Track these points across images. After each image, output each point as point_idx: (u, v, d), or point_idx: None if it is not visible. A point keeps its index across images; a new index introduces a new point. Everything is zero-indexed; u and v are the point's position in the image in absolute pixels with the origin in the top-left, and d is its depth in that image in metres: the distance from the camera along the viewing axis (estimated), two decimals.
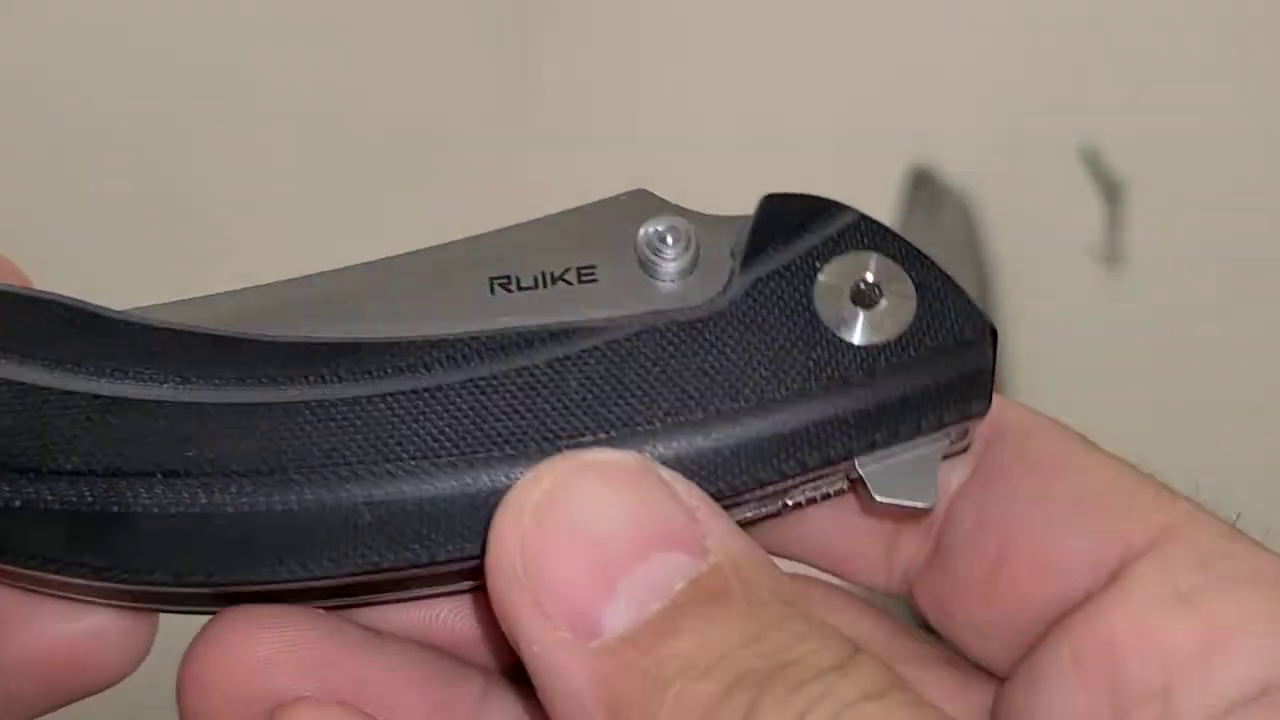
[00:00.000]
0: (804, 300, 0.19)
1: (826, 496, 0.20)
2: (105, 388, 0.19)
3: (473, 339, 0.19)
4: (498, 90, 1.31)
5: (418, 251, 0.20)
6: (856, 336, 0.19)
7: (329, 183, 1.14)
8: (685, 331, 0.19)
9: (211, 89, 1.06)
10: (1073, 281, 0.89)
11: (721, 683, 0.16)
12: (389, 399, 0.19)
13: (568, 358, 0.19)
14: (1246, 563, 0.19)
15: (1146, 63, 0.84)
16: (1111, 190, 0.85)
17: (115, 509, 0.18)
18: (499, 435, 0.19)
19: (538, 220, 0.20)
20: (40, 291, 0.20)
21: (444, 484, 0.18)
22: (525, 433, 0.19)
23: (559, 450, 0.18)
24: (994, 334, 0.21)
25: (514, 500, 0.17)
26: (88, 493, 0.18)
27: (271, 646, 0.19)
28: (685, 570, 0.17)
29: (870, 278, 0.20)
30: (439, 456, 0.18)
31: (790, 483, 0.19)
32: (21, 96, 0.97)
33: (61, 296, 0.20)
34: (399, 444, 0.19)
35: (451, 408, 0.19)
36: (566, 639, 0.17)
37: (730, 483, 0.19)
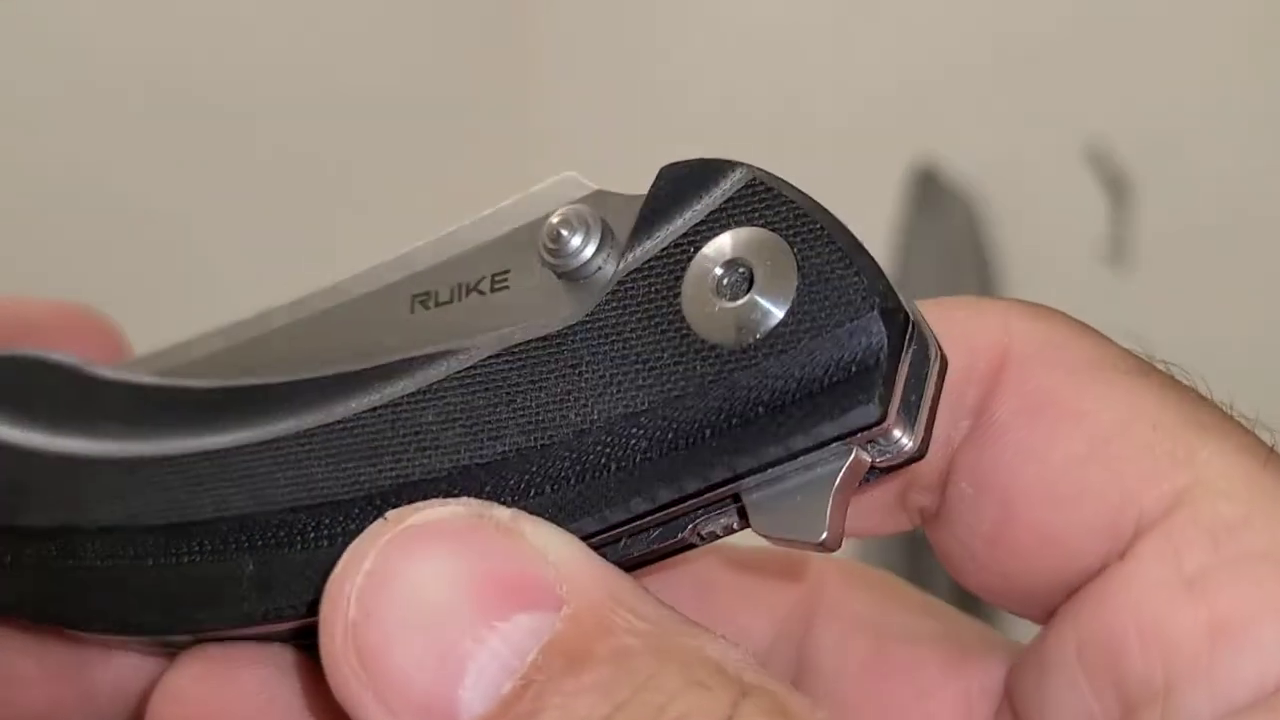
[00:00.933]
0: (669, 296, 0.16)
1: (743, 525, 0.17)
2: (70, 445, 0.19)
3: (350, 375, 0.18)
4: (498, 85, 1.31)
5: (365, 271, 0.19)
6: (721, 336, 0.16)
7: (327, 171, 1.14)
8: (540, 348, 0.17)
9: (208, 80, 1.06)
10: (1078, 281, 0.88)
11: None
12: (269, 445, 0.18)
13: (427, 389, 0.17)
14: (1263, 536, 0.16)
15: (1151, 62, 0.84)
16: (1117, 189, 0.84)
17: (70, 563, 0.18)
18: (346, 481, 0.17)
19: (466, 224, 0.18)
20: (14, 351, 0.20)
21: (303, 535, 0.17)
22: (369, 478, 0.17)
23: (399, 502, 0.16)
24: (893, 318, 0.16)
25: (337, 587, 0.15)
26: (52, 548, 0.19)
27: (222, 694, 0.18)
28: (538, 633, 0.15)
29: (742, 261, 0.16)
30: (297, 504, 0.17)
31: (671, 511, 0.16)
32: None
33: (30, 353, 0.20)
34: (271, 491, 0.17)
35: (313, 452, 0.17)
36: None
37: (595, 518, 0.16)
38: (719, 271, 0.16)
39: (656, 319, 0.16)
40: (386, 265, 0.19)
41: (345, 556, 0.15)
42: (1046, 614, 0.18)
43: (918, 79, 1.01)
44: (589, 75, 1.31)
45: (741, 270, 0.16)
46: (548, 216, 0.17)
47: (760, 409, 0.16)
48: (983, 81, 0.96)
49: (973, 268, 0.95)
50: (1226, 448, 0.17)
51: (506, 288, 0.17)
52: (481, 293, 0.18)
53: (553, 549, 0.15)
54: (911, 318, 0.16)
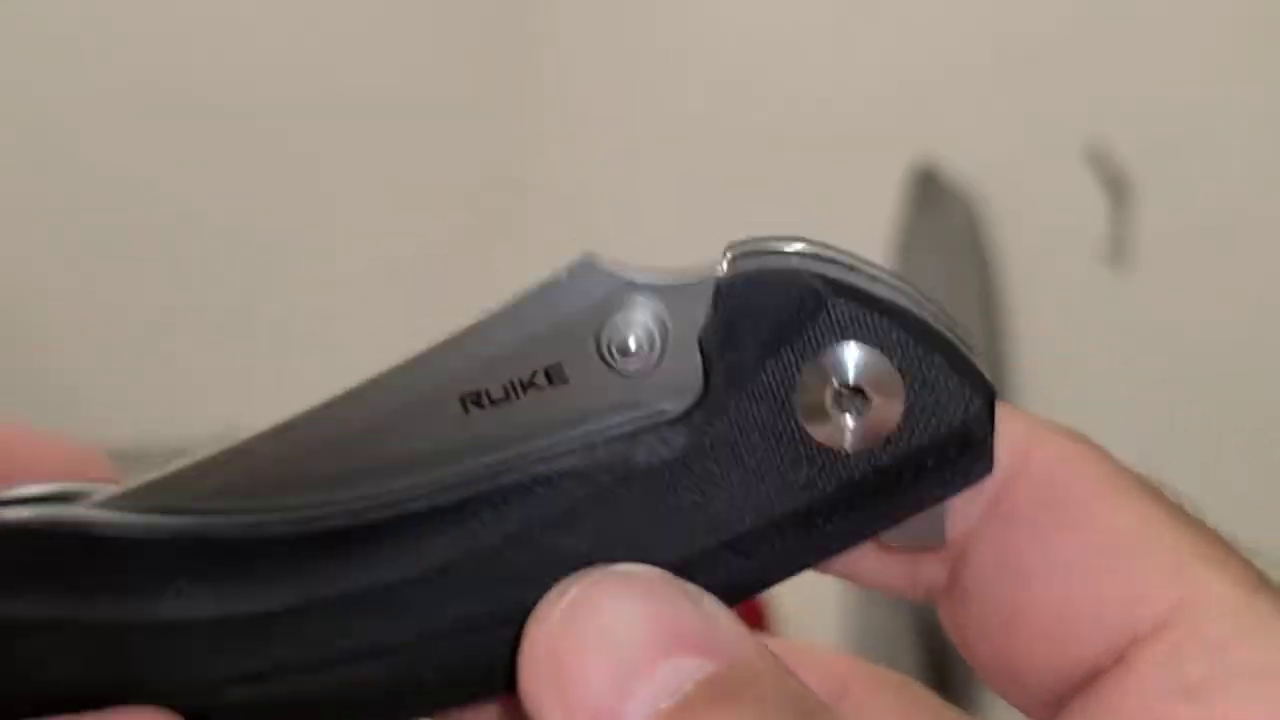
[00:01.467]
0: (786, 415, 0.19)
1: None
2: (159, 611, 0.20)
3: (431, 511, 0.20)
4: (498, 84, 1.31)
5: (386, 373, 0.19)
6: (847, 443, 0.19)
7: (326, 170, 1.14)
8: (658, 477, 0.19)
9: (209, 85, 1.06)
10: (1078, 281, 0.88)
11: None
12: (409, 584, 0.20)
13: (528, 529, 0.20)
14: (1259, 655, 0.19)
15: (1151, 62, 0.84)
16: (1117, 189, 0.84)
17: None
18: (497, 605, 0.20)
19: (493, 316, 0.19)
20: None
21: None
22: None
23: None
24: (991, 397, 0.19)
25: (545, 607, 0.19)
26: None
27: None
28: (700, 671, 0.18)
29: (850, 376, 0.19)
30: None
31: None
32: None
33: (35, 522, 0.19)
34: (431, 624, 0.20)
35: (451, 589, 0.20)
36: None
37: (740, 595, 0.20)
38: (828, 388, 0.19)
39: (778, 436, 0.19)
40: (405, 369, 0.19)
41: (558, 586, 0.19)
42: (1044, 709, 0.21)
43: (918, 79, 1.01)
44: (589, 75, 1.31)
45: (845, 389, 0.19)
46: (600, 317, 0.19)
47: (894, 492, 0.19)
48: (983, 81, 0.96)
49: (973, 268, 0.96)
50: (1226, 573, 0.19)
51: (566, 381, 0.19)
52: (539, 387, 0.19)
53: (723, 617, 0.19)
54: (993, 389, 0.19)
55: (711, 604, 0.19)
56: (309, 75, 1.15)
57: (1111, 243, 0.84)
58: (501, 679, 0.20)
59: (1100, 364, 0.87)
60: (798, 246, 0.19)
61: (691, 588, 0.19)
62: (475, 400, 0.19)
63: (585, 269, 0.19)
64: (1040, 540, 0.20)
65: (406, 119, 1.24)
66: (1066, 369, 0.89)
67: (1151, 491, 0.21)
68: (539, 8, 1.35)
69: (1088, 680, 0.20)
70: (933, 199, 0.99)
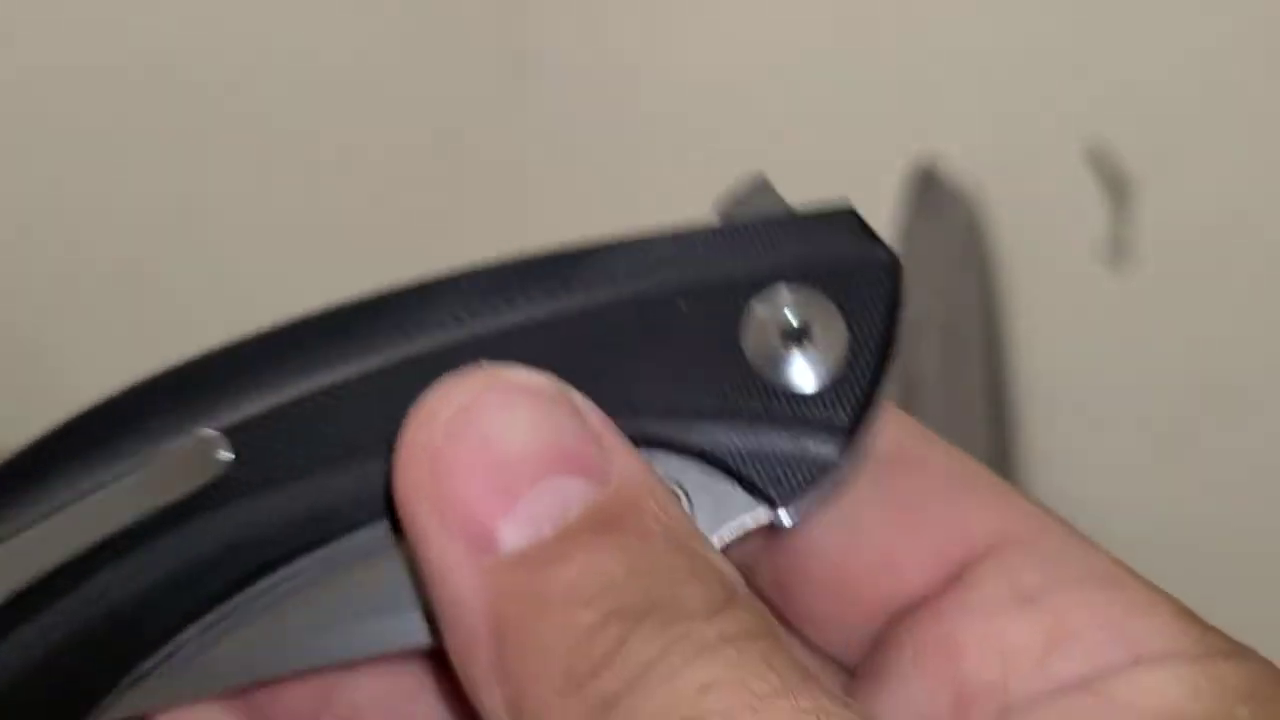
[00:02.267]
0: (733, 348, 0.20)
1: None
2: None
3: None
4: (498, 81, 1.31)
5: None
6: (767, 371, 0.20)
7: (324, 170, 1.14)
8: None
9: (207, 84, 1.06)
10: (1078, 281, 0.88)
11: (599, 613, 0.17)
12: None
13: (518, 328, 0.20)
14: (1083, 563, 0.20)
15: (1151, 62, 0.84)
16: (1117, 189, 0.84)
17: None
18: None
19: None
20: None
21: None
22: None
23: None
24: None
25: (427, 411, 0.18)
26: None
27: None
28: (584, 496, 0.18)
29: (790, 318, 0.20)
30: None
31: None
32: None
33: None
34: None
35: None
36: (462, 551, 0.17)
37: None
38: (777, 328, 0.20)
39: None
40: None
41: (442, 387, 0.18)
42: (857, 649, 0.21)
43: (918, 79, 1.01)
44: (588, 74, 1.31)
45: (804, 329, 0.19)
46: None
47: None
48: (983, 81, 0.96)
49: (973, 268, 0.96)
50: (1033, 501, 0.21)
51: None
52: None
53: (608, 437, 0.18)
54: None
55: (600, 421, 0.18)
56: (306, 73, 1.15)
57: (1112, 243, 0.84)
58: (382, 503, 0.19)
59: (1100, 364, 0.86)
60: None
61: (582, 401, 0.19)
62: None
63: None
64: (869, 482, 0.20)
65: (405, 121, 1.24)
66: (1066, 369, 0.89)
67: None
68: (539, 8, 1.35)
69: (919, 604, 0.20)
70: (933, 199, 0.99)
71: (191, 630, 0.19)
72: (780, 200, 0.20)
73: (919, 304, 0.98)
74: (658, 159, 1.22)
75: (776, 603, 0.22)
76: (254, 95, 1.09)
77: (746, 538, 0.20)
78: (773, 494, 0.20)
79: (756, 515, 0.20)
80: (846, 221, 0.20)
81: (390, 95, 1.22)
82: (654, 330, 0.20)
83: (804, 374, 0.20)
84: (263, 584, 0.20)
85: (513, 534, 0.17)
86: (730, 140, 1.18)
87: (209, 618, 0.19)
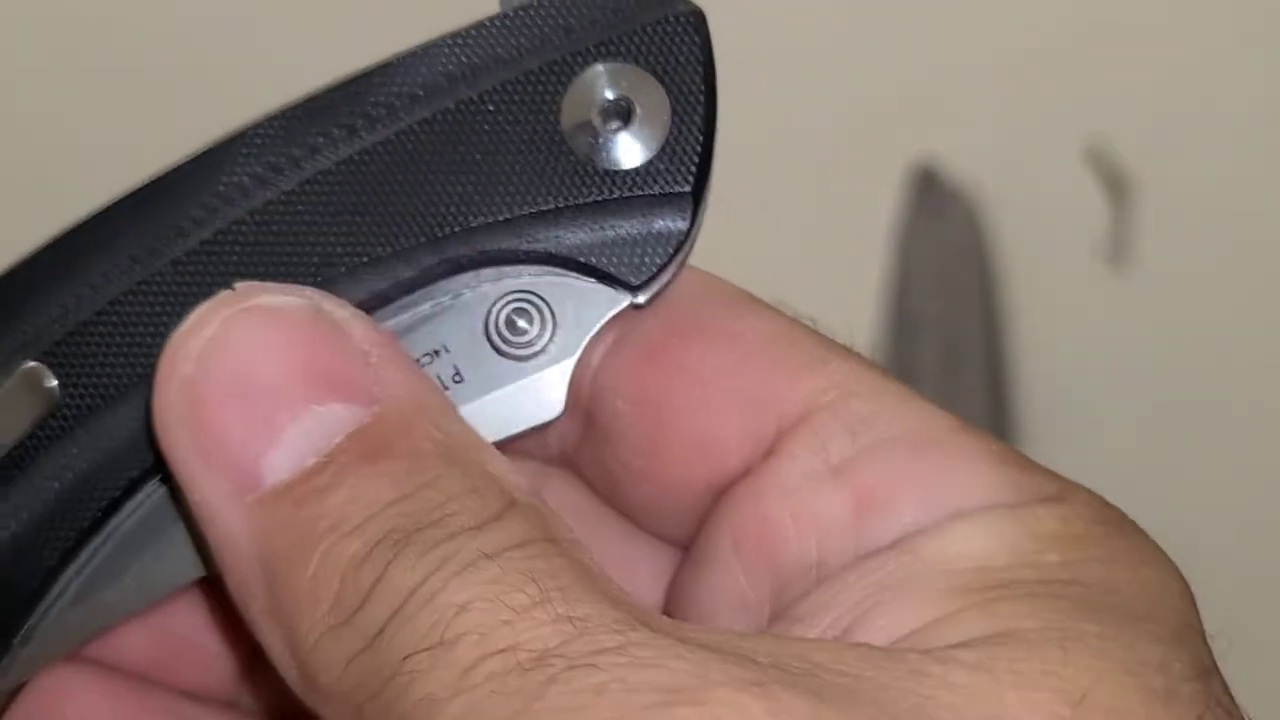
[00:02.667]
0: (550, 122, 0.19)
1: None
2: None
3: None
4: None
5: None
6: (586, 152, 0.19)
7: None
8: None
9: (205, 80, 1.05)
10: (1078, 281, 0.88)
11: (366, 543, 0.16)
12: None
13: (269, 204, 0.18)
14: (895, 425, 0.19)
15: (1151, 62, 0.84)
16: (1117, 189, 0.84)
17: None
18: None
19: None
20: None
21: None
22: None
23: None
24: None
25: (177, 345, 0.17)
26: None
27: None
28: (347, 422, 0.17)
29: (624, 101, 0.19)
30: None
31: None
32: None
33: None
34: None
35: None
36: (226, 489, 0.17)
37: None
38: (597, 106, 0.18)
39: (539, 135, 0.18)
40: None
41: (192, 318, 0.17)
42: (688, 529, 0.21)
43: (918, 79, 1.01)
44: None
45: (623, 105, 0.18)
46: None
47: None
48: (983, 81, 0.96)
49: (973, 267, 0.95)
50: (852, 360, 0.20)
51: None
52: None
53: (375, 353, 0.17)
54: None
55: (366, 334, 0.18)
56: (306, 73, 1.15)
57: (1111, 243, 0.84)
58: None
59: (1100, 364, 0.86)
60: None
61: (345, 314, 0.18)
62: None
63: None
64: (682, 364, 0.20)
65: None
66: (1066, 369, 0.89)
67: (774, 307, 0.21)
68: None
69: (738, 480, 0.20)
70: (933, 199, 0.99)
71: (69, 572, 0.19)
72: None
73: (919, 304, 0.98)
74: None
75: (601, 488, 0.21)
76: (253, 95, 1.08)
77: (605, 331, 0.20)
78: (632, 280, 0.19)
79: (617, 303, 0.19)
80: None
81: None
82: (467, 144, 0.18)
83: (632, 149, 0.19)
84: (128, 509, 0.19)
85: (276, 469, 0.17)
86: (730, 140, 1.18)
87: (83, 557, 0.19)
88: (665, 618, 0.17)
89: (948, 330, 0.95)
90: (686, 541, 0.21)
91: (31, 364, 0.18)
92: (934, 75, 1.00)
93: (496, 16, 0.19)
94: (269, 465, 0.17)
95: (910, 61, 1.02)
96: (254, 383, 0.17)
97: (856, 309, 1.06)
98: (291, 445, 0.17)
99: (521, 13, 0.19)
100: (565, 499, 0.22)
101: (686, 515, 0.21)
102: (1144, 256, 0.84)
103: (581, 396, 0.20)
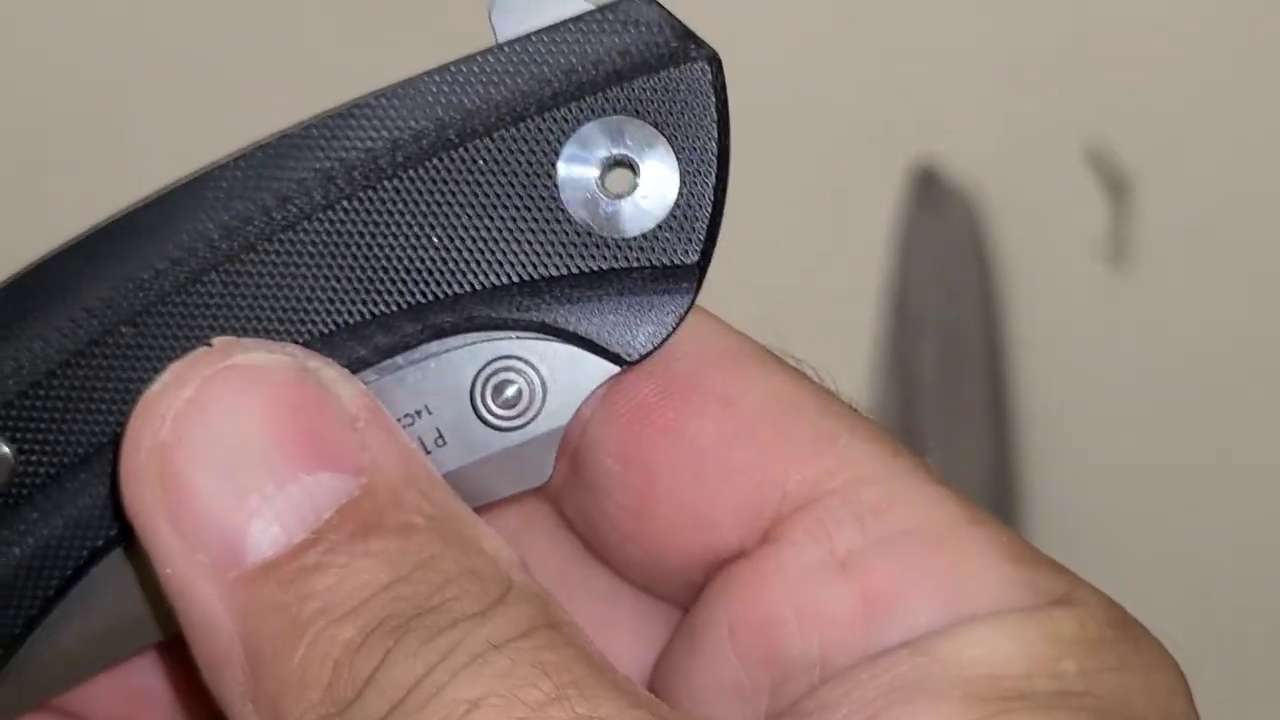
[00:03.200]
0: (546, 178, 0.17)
1: None
2: None
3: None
4: None
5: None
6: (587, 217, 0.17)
7: None
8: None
9: (207, 82, 1.05)
10: (1078, 281, 0.88)
11: (361, 629, 0.15)
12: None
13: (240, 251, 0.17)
14: (906, 518, 0.18)
15: (1151, 62, 0.84)
16: (1117, 189, 0.84)
17: None
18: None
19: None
20: None
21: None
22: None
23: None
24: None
25: (149, 406, 0.16)
26: None
27: None
28: (336, 494, 0.16)
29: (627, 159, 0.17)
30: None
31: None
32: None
33: None
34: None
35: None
36: (203, 564, 0.16)
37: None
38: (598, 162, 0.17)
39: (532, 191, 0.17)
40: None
41: (166, 376, 0.16)
42: (685, 593, 0.20)
43: (918, 79, 1.01)
44: None
45: (627, 164, 0.17)
46: None
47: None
48: (983, 81, 0.96)
49: (973, 268, 0.95)
50: (860, 435, 0.19)
51: None
52: None
53: (363, 418, 0.16)
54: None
55: (354, 397, 0.16)
56: (306, 73, 1.15)
57: (1111, 243, 0.84)
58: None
59: (1100, 364, 0.86)
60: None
61: (331, 374, 0.16)
62: None
63: None
64: (676, 429, 0.19)
65: None
66: (1066, 369, 0.89)
67: (776, 359, 0.19)
68: None
69: (731, 561, 0.19)
70: (933, 199, 0.99)
71: (33, 635, 0.17)
72: None
73: (919, 304, 0.98)
74: None
75: (585, 536, 0.20)
76: (253, 95, 1.09)
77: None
78: (628, 356, 0.17)
79: (610, 371, 0.18)
80: (644, 16, 0.17)
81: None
82: (455, 201, 0.17)
83: (635, 215, 0.17)
84: (94, 574, 0.17)
85: (259, 545, 0.15)
86: (730, 140, 1.17)
87: (46, 622, 0.17)
88: (678, 712, 0.17)
89: (948, 330, 0.95)
90: (674, 600, 0.20)
91: None
92: (934, 75, 1.00)
93: (491, 50, 0.17)
94: (252, 540, 0.16)
95: (910, 62, 1.02)
96: (236, 448, 0.16)
97: (856, 309, 1.06)
98: (277, 519, 0.16)
99: (519, 48, 0.17)
100: (548, 546, 0.21)
101: (676, 581, 0.20)
102: (1144, 256, 0.84)
103: (569, 442, 0.19)
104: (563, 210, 0.17)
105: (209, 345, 0.16)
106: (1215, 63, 0.81)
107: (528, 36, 0.17)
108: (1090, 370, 0.88)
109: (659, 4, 0.17)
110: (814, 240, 1.05)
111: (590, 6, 0.17)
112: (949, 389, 0.94)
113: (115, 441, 0.17)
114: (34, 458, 0.17)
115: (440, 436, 0.18)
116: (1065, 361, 0.90)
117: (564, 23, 0.17)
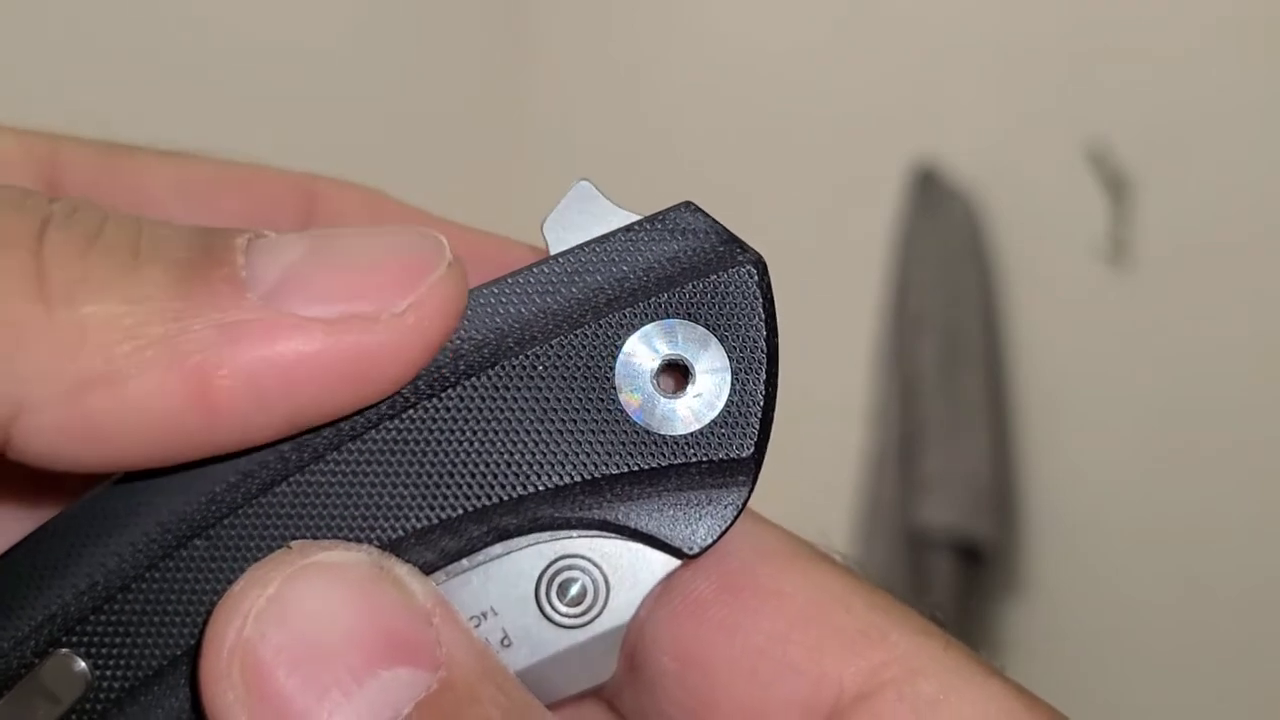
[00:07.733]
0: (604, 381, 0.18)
1: None
2: None
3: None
4: (497, 85, 1.31)
5: None
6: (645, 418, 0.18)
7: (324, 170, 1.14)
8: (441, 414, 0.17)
9: (206, 67, 1.05)
10: (1078, 281, 0.88)
11: None
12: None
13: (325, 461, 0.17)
14: (963, 710, 0.18)
15: (1151, 62, 0.84)
16: (1117, 189, 0.84)
17: None
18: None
19: None
20: None
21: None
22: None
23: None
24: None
25: (232, 605, 0.16)
26: None
27: None
28: (414, 688, 0.16)
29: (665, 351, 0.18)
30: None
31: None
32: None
33: None
34: None
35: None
36: None
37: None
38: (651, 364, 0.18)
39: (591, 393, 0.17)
40: None
41: (247, 577, 0.16)
42: None
43: (918, 79, 1.01)
44: (588, 75, 1.31)
45: (680, 364, 0.17)
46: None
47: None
48: (983, 81, 0.96)
49: (973, 268, 0.96)
50: (911, 628, 0.19)
51: None
52: None
53: (438, 614, 0.16)
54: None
55: (427, 595, 0.16)
56: (307, 72, 1.15)
57: (1111, 243, 0.84)
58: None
59: (1100, 363, 0.86)
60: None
61: (403, 571, 0.16)
62: None
63: None
64: (732, 626, 0.19)
65: (405, 120, 1.24)
66: (1066, 369, 0.89)
67: (822, 555, 0.20)
68: (540, 10, 1.35)
69: None
70: (933, 199, 0.99)
71: None
72: (611, 208, 0.18)
73: (919, 304, 0.99)
74: (658, 159, 1.22)
75: None
76: (251, 94, 1.09)
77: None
78: (688, 550, 0.18)
79: (671, 565, 0.18)
80: (690, 224, 0.18)
81: (389, 94, 1.23)
82: (516, 407, 0.17)
83: (690, 413, 0.18)
84: None
85: None
86: (730, 140, 1.18)
87: None
88: None
89: (948, 330, 0.95)
90: None
91: (62, 651, 0.17)
92: (934, 76, 1.00)
93: (547, 261, 0.18)
94: None
95: (910, 62, 1.03)
96: (316, 645, 0.16)
97: (856, 309, 1.06)
98: (356, 715, 0.16)
99: (573, 258, 0.18)
100: None
101: None
102: (1144, 256, 0.84)
103: (627, 642, 0.19)
104: (620, 410, 0.18)
105: (288, 548, 0.16)
106: (1215, 63, 0.81)
107: (580, 247, 0.18)
108: (1089, 369, 0.88)
109: (704, 212, 0.18)
110: (814, 240, 1.05)
111: (637, 216, 0.18)
112: (949, 388, 0.94)
113: (188, 654, 0.17)
114: (109, 673, 0.17)
115: (506, 636, 0.18)
116: (1064, 361, 0.90)
117: (615, 232, 0.18)
